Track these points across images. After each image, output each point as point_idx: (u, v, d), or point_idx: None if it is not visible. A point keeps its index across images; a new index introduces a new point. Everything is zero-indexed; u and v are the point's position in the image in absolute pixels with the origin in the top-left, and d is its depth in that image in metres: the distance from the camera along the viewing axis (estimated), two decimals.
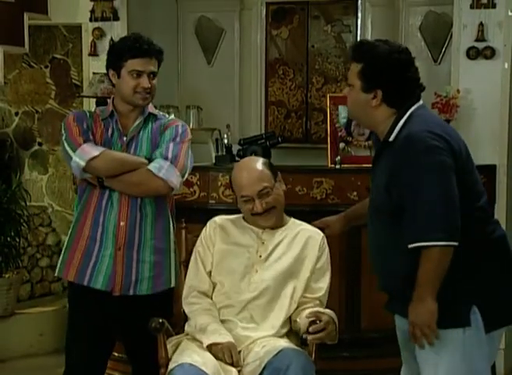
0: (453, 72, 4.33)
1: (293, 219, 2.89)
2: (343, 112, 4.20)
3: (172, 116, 3.03)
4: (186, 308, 2.82)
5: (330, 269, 2.83)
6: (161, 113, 2.97)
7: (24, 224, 4.70)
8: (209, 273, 2.82)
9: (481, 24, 4.18)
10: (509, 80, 4.20)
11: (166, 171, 2.75)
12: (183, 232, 3.07)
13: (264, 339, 2.65)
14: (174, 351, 2.69)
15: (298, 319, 2.68)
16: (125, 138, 2.84)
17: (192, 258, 2.89)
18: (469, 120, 4.23)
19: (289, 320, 2.75)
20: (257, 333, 2.69)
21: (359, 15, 5.30)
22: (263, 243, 2.80)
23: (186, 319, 2.84)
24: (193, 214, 3.53)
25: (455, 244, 2.23)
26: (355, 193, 3.88)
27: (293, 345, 2.64)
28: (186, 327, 2.81)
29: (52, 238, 5.18)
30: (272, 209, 2.77)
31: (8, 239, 4.60)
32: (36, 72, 5.25)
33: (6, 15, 4.48)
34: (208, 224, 2.90)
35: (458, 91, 4.21)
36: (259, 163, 2.82)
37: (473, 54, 4.22)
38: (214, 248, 2.83)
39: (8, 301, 4.59)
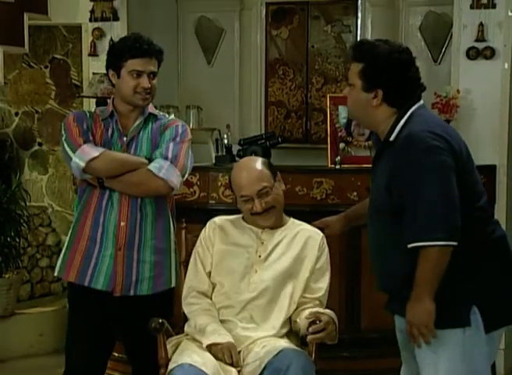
0: (453, 72, 4.33)
1: (292, 219, 2.89)
2: (342, 113, 4.20)
3: (172, 116, 3.03)
4: (186, 309, 2.82)
5: (330, 269, 2.83)
6: (161, 113, 2.97)
7: (24, 224, 4.70)
8: (209, 274, 2.82)
9: (481, 24, 4.18)
10: (509, 80, 4.20)
11: (166, 171, 2.75)
12: (183, 232, 3.07)
13: (265, 339, 2.65)
14: (174, 352, 2.69)
15: (298, 320, 2.68)
16: (125, 138, 2.84)
17: (191, 258, 2.89)
18: (469, 120, 4.23)
19: (289, 320, 2.75)
20: (257, 334, 2.69)
21: (359, 15, 5.29)
22: (262, 243, 2.80)
23: (185, 319, 2.84)
24: (193, 214, 3.53)
25: (454, 244, 2.23)
26: (355, 193, 3.88)
27: (293, 345, 2.64)
28: (186, 328, 2.81)
29: (52, 238, 5.18)
30: (272, 209, 2.77)
31: (8, 239, 4.60)
32: (36, 72, 5.25)
33: (6, 15, 4.48)
34: (207, 225, 2.90)
35: (458, 91, 4.21)
36: (258, 163, 2.82)
37: (473, 54, 4.22)
38: (213, 248, 2.83)
39: (8, 302, 4.59)
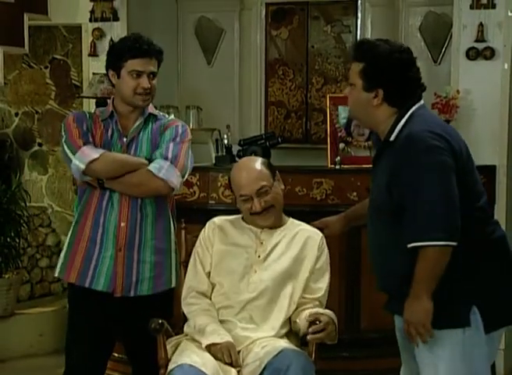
0: (453, 72, 4.33)
1: (291, 220, 2.89)
2: (342, 113, 4.21)
3: (172, 116, 3.03)
4: (185, 309, 2.82)
5: (329, 269, 2.83)
6: (161, 114, 2.97)
7: (24, 225, 4.70)
8: (208, 274, 2.82)
9: (480, 25, 4.18)
10: (509, 80, 4.20)
11: (166, 171, 2.75)
12: (183, 232, 3.07)
13: (264, 339, 2.65)
14: (173, 352, 2.69)
15: (298, 320, 2.68)
16: (125, 139, 2.84)
17: (191, 258, 2.89)
18: (469, 121, 4.23)
19: (289, 321, 2.75)
20: (257, 334, 2.68)
21: (359, 15, 5.30)
22: (262, 243, 2.80)
23: (185, 319, 2.84)
24: (193, 214, 3.53)
25: (454, 244, 2.23)
26: (355, 193, 3.88)
27: (293, 346, 2.64)
28: (185, 328, 2.81)
29: (52, 239, 5.18)
30: (271, 208, 2.77)
31: (8, 239, 4.60)
32: (36, 72, 5.25)
33: (6, 15, 4.48)
34: (206, 225, 2.90)
35: (458, 91, 4.21)
36: (258, 163, 2.83)
37: (473, 54, 4.22)
38: (213, 248, 2.83)
39: (8, 302, 4.59)
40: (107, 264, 2.79)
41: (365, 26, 5.28)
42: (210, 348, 2.60)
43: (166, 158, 2.77)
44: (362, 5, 5.29)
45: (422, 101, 2.45)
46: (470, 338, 2.30)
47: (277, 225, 2.83)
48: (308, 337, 2.51)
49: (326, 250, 2.83)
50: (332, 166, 4.13)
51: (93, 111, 3.24)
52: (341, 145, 4.19)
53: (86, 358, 2.86)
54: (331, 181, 3.93)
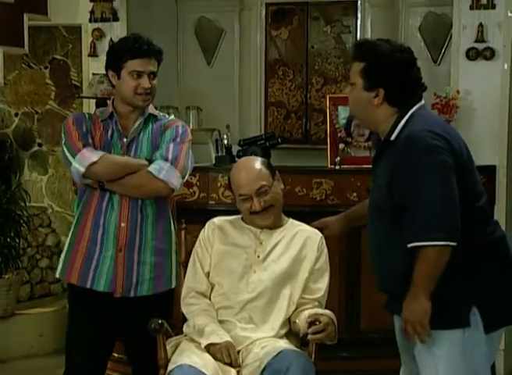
0: (453, 73, 4.33)
1: (291, 220, 2.89)
2: (342, 113, 4.21)
3: (172, 117, 3.03)
4: (185, 309, 2.82)
5: (329, 269, 2.83)
6: (161, 114, 2.97)
7: (24, 225, 4.70)
8: (207, 274, 2.82)
9: (480, 25, 4.17)
10: (508, 80, 4.19)
11: (166, 172, 2.75)
12: (183, 233, 3.07)
13: (264, 340, 2.65)
14: (173, 352, 2.69)
15: (297, 321, 2.68)
16: (125, 139, 2.84)
17: (190, 259, 2.89)
18: (469, 121, 4.23)
19: (289, 321, 2.75)
20: (257, 334, 2.68)
21: (359, 15, 5.29)
22: (261, 243, 2.80)
23: (184, 319, 2.84)
24: (192, 215, 3.52)
25: (454, 244, 2.23)
26: (355, 194, 3.88)
27: (292, 346, 2.64)
28: (185, 328, 2.81)
29: (52, 239, 5.18)
30: (270, 208, 2.77)
31: (8, 240, 4.60)
32: (36, 73, 5.25)
33: (6, 15, 4.48)
34: (206, 225, 2.90)
35: (458, 91, 4.20)
36: (257, 162, 2.83)
37: (473, 55, 4.22)
38: (212, 249, 2.83)
39: (8, 302, 4.59)
40: (107, 264, 2.79)
41: (365, 27, 5.28)
42: (209, 348, 2.60)
43: (166, 160, 2.77)
44: (362, 5, 5.28)
45: (423, 101, 2.45)
46: (470, 338, 2.30)
47: (276, 225, 2.83)
48: (308, 337, 2.51)
49: (326, 250, 2.83)
50: (332, 166, 4.13)
51: (93, 112, 3.24)
52: (341, 146, 4.19)
53: (86, 358, 2.85)
54: (331, 181, 3.93)
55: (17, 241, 4.66)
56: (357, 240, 3.69)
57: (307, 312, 2.64)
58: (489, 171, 4.12)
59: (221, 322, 2.72)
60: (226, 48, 5.50)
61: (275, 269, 2.75)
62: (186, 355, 2.59)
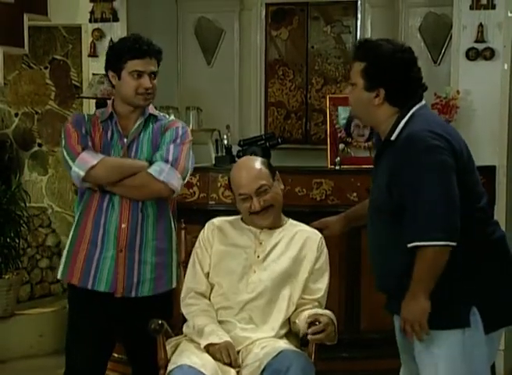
0: (453, 73, 4.33)
1: (290, 220, 2.89)
2: (342, 113, 4.21)
3: (173, 117, 3.03)
4: (184, 310, 2.82)
5: (329, 269, 2.83)
6: (161, 114, 2.97)
7: (24, 225, 4.71)
8: (207, 275, 2.82)
9: (480, 25, 4.17)
10: (508, 81, 4.19)
11: (167, 174, 2.75)
12: (183, 233, 3.07)
13: (264, 340, 2.65)
14: (173, 353, 2.69)
15: (297, 321, 2.68)
16: (125, 140, 2.84)
17: (190, 259, 2.89)
18: (469, 121, 4.23)
19: (289, 321, 2.75)
20: (257, 335, 2.68)
21: (359, 16, 5.29)
22: (261, 243, 2.80)
23: (184, 320, 2.84)
24: (192, 215, 3.53)
25: (454, 244, 2.23)
26: (355, 194, 3.88)
27: (292, 347, 2.64)
28: (185, 329, 2.80)
29: (52, 239, 5.18)
30: (270, 208, 2.77)
31: (8, 240, 4.60)
32: (36, 73, 5.25)
33: (6, 16, 4.48)
34: (206, 226, 2.90)
35: (458, 92, 4.20)
36: (257, 162, 2.83)
37: (472, 55, 4.21)
38: (212, 249, 2.83)
39: (8, 302, 4.59)
40: (108, 265, 2.79)
41: (365, 27, 5.27)
42: (208, 349, 2.60)
43: (167, 161, 2.77)
44: (362, 5, 5.28)
45: (424, 101, 2.45)
46: (469, 339, 2.30)
47: (276, 225, 2.83)
48: (308, 337, 2.51)
49: (325, 250, 2.83)
50: (332, 166, 4.13)
51: (93, 112, 3.24)
52: (341, 146, 4.19)
53: (86, 359, 2.86)
54: (331, 182, 3.93)
55: (17, 241, 4.66)
56: (357, 240, 3.69)
57: (306, 313, 2.64)
58: (489, 171, 4.12)
59: (221, 322, 2.72)
60: (226, 48, 5.50)
61: (275, 270, 2.75)
62: (186, 355, 2.59)
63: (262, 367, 2.50)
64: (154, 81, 2.82)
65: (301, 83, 5.42)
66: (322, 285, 2.78)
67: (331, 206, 3.83)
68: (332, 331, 2.54)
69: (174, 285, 2.90)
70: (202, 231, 2.89)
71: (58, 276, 2.94)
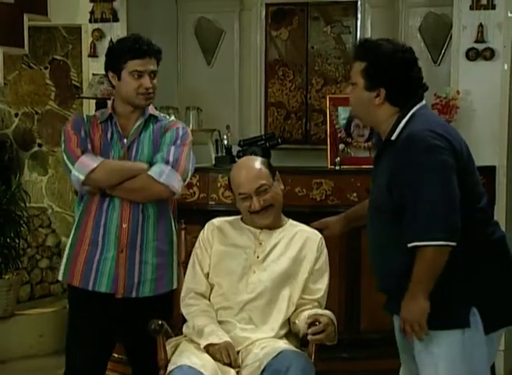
0: (453, 73, 4.33)
1: (290, 221, 2.89)
2: (342, 114, 4.21)
3: (173, 117, 3.02)
4: (184, 310, 2.82)
5: (329, 270, 2.83)
6: (161, 115, 2.97)
7: (24, 225, 4.70)
8: (207, 275, 2.82)
9: (480, 25, 4.17)
10: (508, 81, 4.19)
11: (167, 176, 2.75)
12: (183, 233, 3.07)
13: (264, 340, 2.65)
14: (173, 353, 2.69)
15: (297, 321, 2.68)
16: (125, 140, 2.84)
17: (190, 260, 2.89)
18: (469, 121, 4.23)
19: (288, 322, 2.75)
20: (256, 335, 2.68)
21: (359, 16, 5.29)
22: (260, 243, 2.80)
23: (184, 320, 2.83)
24: (192, 215, 3.53)
25: (453, 244, 2.23)
26: (355, 194, 3.88)
27: (292, 347, 2.64)
28: (184, 329, 2.80)
29: (52, 239, 5.18)
30: (270, 207, 2.77)
31: (8, 240, 4.60)
32: (36, 73, 5.25)
33: (6, 16, 4.48)
34: (205, 226, 2.90)
35: (458, 92, 4.20)
36: (257, 162, 2.83)
37: (472, 55, 4.21)
38: (211, 249, 2.83)
39: (8, 303, 4.59)
40: (108, 265, 2.79)
41: (365, 27, 5.27)
42: (208, 349, 2.60)
43: (167, 162, 2.76)
44: (362, 5, 5.28)
45: (424, 101, 2.45)
46: (469, 339, 2.30)
47: (276, 225, 2.83)
48: (308, 338, 2.51)
49: (325, 251, 2.83)
50: (332, 166, 4.13)
51: (93, 113, 3.24)
52: (341, 146, 4.19)
53: (86, 359, 2.86)
54: (331, 182, 3.93)
55: (17, 241, 4.66)
56: (357, 240, 3.69)
57: (306, 313, 2.64)
58: (489, 171, 4.12)
59: (220, 322, 2.72)
60: (226, 48, 5.49)
61: (275, 270, 2.75)
62: (186, 355, 2.59)
63: (262, 367, 2.50)
64: (155, 81, 2.82)
65: (301, 83, 5.42)
66: (322, 285, 2.78)
67: (331, 206, 3.83)
68: (332, 331, 2.54)
69: (175, 286, 2.90)
70: (202, 232, 2.89)
71: (59, 278, 2.94)
